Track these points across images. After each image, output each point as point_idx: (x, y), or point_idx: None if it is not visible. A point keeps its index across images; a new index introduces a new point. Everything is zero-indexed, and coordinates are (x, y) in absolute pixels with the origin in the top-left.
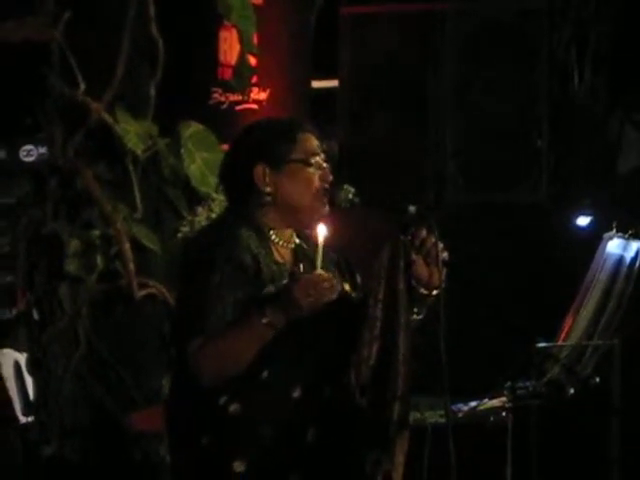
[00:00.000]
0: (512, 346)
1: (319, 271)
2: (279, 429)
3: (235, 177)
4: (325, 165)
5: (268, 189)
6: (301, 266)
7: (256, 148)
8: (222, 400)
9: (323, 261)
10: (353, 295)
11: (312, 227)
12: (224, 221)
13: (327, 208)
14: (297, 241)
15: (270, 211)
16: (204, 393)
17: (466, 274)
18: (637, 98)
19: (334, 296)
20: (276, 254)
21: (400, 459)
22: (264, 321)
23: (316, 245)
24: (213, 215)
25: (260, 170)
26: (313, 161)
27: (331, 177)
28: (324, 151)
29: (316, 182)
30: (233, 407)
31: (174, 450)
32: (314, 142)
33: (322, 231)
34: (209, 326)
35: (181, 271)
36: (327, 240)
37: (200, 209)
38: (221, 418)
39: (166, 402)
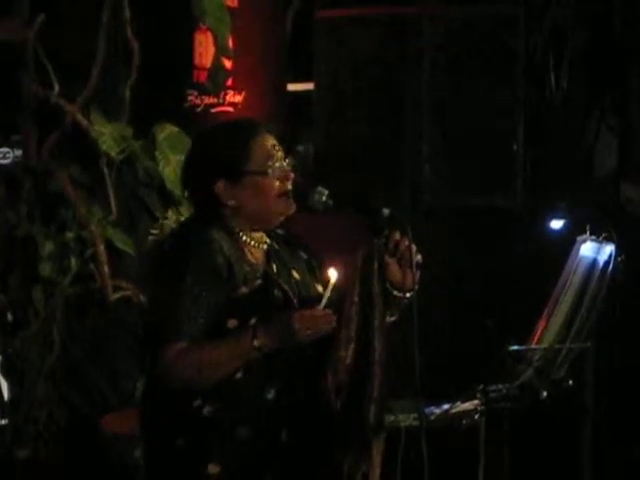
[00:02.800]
0: (485, 349)
1: (322, 306)
2: (253, 430)
3: (197, 191)
4: (284, 162)
5: (231, 202)
6: (273, 266)
7: (213, 164)
8: (196, 402)
9: (295, 262)
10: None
11: (282, 226)
12: (195, 223)
13: (293, 206)
14: (268, 241)
15: (237, 217)
16: (178, 395)
17: (440, 277)
18: (613, 102)
19: (330, 330)
20: (248, 255)
21: (377, 461)
22: (255, 344)
23: (327, 284)
24: (182, 219)
25: (220, 186)
26: (270, 169)
27: (292, 175)
28: (281, 142)
29: (276, 188)
30: (207, 409)
31: (149, 453)
32: (268, 143)
33: (333, 274)
34: (185, 330)
35: (153, 275)
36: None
37: (170, 212)
38: (195, 420)
39: (140, 404)
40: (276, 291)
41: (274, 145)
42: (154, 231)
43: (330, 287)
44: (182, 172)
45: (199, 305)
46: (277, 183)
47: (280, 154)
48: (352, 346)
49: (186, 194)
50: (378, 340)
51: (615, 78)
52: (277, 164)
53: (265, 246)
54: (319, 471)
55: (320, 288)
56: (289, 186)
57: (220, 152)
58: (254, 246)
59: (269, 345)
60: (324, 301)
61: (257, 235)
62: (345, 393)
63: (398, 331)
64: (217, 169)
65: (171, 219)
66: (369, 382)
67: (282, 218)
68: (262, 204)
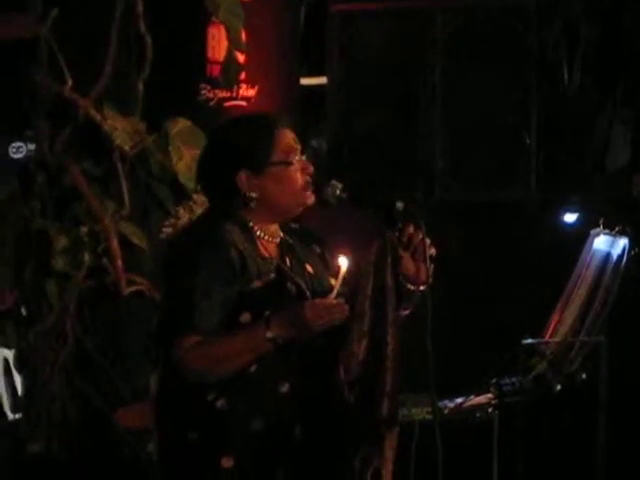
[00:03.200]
0: (499, 342)
1: (334, 296)
2: (267, 424)
3: (217, 183)
4: (303, 156)
5: (253, 194)
6: (287, 260)
7: (236, 154)
8: (210, 396)
9: (308, 256)
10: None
11: (295, 220)
12: (208, 218)
13: (313, 198)
14: (282, 235)
15: (255, 210)
16: (192, 389)
17: (454, 270)
18: (626, 95)
19: (343, 319)
20: (262, 249)
21: (389, 455)
22: (269, 335)
23: (337, 273)
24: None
25: (243, 177)
26: (294, 159)
27: (311, 167)
28: (297, 136)
29: (299, 179)
30: (221, 402)
31: (162, 446)
32: (290, 136)
33: (344, 262)
34: (198, 324)
35: (167, 269)
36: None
37: (182, 211)
38: (209, 414)
39: (154, 398)
40: (289, 285)
41: (294, 138)
42: (166, 230)
43: (341, 275)
44: (199, 164)
45: (212, 299)
46: (299, 175)
47: (299, 147)
48: (365, 341)
49: (200, 187)
50: (391, 334)
51: (627, 71)
52: (298, 155)
53: (278, 240)
54: (331, 466)
55: (333, 281)
56: (309, 178)
57: (244, 142)
58: (268, 240)
59: (282, 336)
60: (335, 290)
61: (271, 229)
62: (358, 388)
63: (412, 324)
64: (240, 160)
65: (184, 218)
66: (382, 376)
67: (301, 209)
68: (285, 195)
